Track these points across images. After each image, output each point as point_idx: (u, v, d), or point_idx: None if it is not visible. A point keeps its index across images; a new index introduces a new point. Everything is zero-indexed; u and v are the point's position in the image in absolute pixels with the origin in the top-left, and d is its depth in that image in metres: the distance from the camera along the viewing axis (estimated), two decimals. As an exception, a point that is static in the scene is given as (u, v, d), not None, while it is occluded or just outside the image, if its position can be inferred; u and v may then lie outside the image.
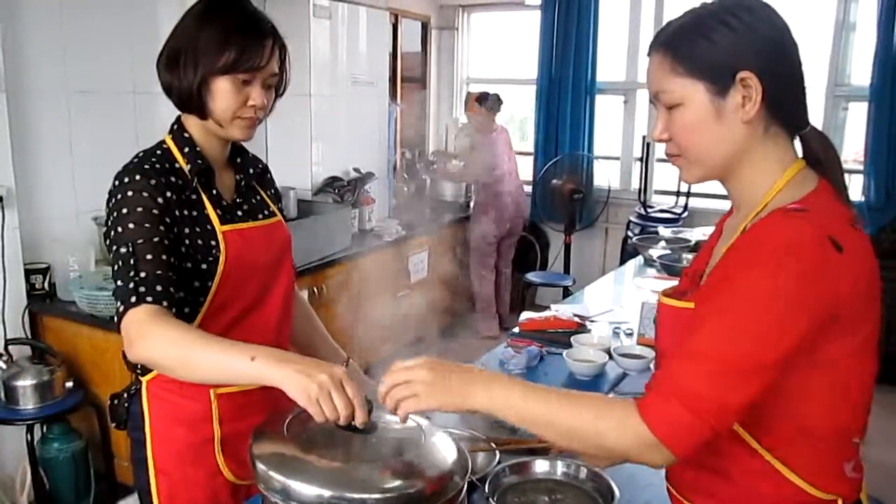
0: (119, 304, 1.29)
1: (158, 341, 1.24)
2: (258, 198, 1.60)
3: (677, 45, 1.03)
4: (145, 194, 1.35)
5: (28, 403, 2.80)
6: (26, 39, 2.99)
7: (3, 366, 2.83)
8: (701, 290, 1.06)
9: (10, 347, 2.90)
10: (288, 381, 1.14)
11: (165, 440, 1.49)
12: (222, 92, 1.39)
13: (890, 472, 3.36)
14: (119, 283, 1.30)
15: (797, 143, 1.09)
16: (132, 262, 1.30)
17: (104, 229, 1.39)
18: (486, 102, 5.08)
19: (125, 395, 1.54)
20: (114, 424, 1.58)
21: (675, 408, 0.93)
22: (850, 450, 1.06)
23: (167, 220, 1.36)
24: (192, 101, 1.40)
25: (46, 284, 3.09)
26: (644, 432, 0.94)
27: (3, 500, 2.60)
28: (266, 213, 1.59)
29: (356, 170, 4.59)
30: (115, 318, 1.30)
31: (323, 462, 1.10)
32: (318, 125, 4.34)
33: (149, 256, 1.30)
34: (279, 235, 1.59)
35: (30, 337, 3.03)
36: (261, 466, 1.10)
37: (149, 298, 1.27)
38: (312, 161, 4.36)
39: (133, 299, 1.27)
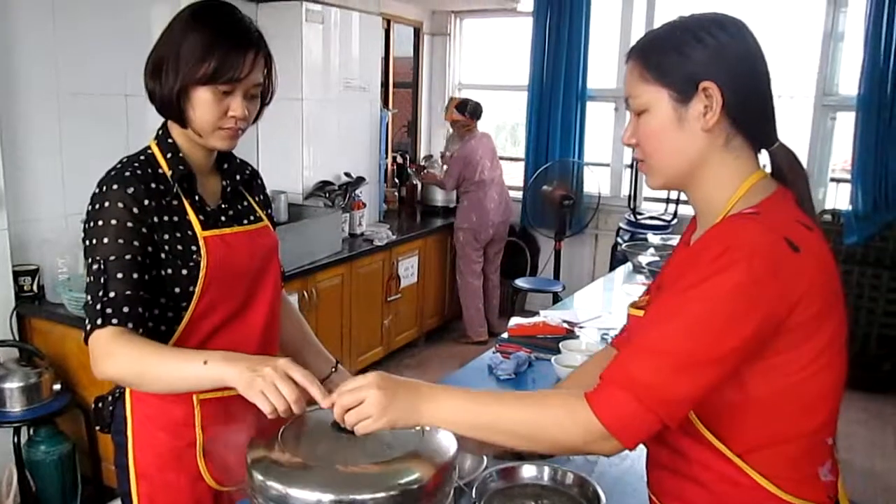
0: (87, 321, 1.33)
1: (119, 360, 1.29)
2: (245, 203, 1.59)
3: (649, 53, 1.08)
4: (121, 205, 1.35)
5: (15, 406, 2.79)
6: (17, 40, 2.99)
7: (-9, 368, 2.82)
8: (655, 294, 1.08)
9: (-3, 349, 2.89)
10: (237, 378, 1.18)
11: (147, 444, 1.48)
12: (202, 102, 1.38)
13: (874, 479, 3.39)
14: (89, 299, 1.34)
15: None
16: (102, 280, 1.33)
17: (82, 235, 1.40)
18: (466, 110, 5.10)
19: (109, 399, 1.54)
20: (98, 427, 1.58)
21: (623, 398, 0.96)
22: (824, 452, 1.07)
23: (143, 230, 1.36)
24: (171, 109, 1.40)
25: (35, 286, 3.08)
26: (593, 423, 0.97)
27: (-12, 503, 2.59)
28: (252, 218, 1.58)
29: (347, 174, 4.60)
30: (83, 335, 1.34)
31: (319, 466, 1.11)
32: (310, 129, 4.35)
33: (119, 275, 1.33)
34: (265, 241, 1.58)
35: (17, 339, 3.02)
36: (258, 476, 1.09)
37: (114, 321, 1.31)
38: (304, 165, 4.36)
39: (99, 321, 1.31)
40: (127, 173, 1.39)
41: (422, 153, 6.14)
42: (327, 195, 4.42)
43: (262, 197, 1.67)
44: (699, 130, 1.05)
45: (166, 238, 1.40)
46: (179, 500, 1.50)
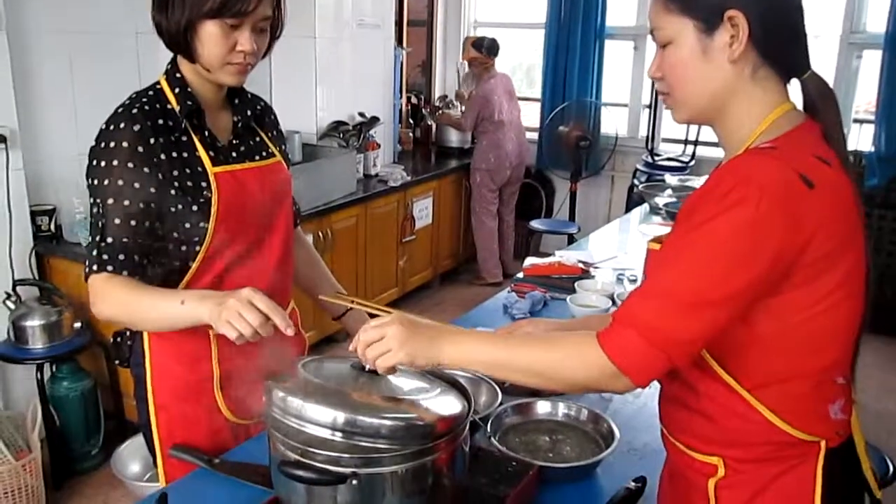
0: (87, 262, 1.39)
1: (111, 303, 1.38)
2: (257, 139, 1.57)
3: None
4: (125, 144, 1.35)
5: (37, 343, 2.84)
6: (26, -23, 2.94)
7: (12, 306, 2.86)
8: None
9: (17, 288, 2.93)
10: (207, 314, 1.27)
11: (165, 377, 1.51)
12: (210, 36, 1.35)
13: (886, 420, 3.41)
14: (90, 240, 1.39)
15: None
16: (101, 224, 1.37)
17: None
18: (483, 47, 4.99)
19: (127, 333, 1.56)
20: (117, 362, 1.61)
21: (633, 338, 0.97)
22: (835, 390, 1.05)
23: (145, 170, 1.36)
24: (179, 43, 1.38)
25: (52, 226, 3.10)
26: (604, 362, 0.98)
27: (15, 437, 2.65)
28: (264, 154, 1.56)
29: (361, 114, 4.55)
30: (83, 275, 1.40)
31: (337, 393, 1.12)
32: (323, 69, 4.29)
33: (117, 220, 1.36)
34: (277, 177, 1.56)
35: (37, 278, 3.05)
36: (277, 393, 1.11)
37: (110, 267, 1.36)
38: (317, 105, 4.31)
39: (95, 266, 1.37)
40: (134, 110, 1.38)
41: (437, 93, 6.05)
42: (341, 135, 4.38)
43: (275, 132, 1.65)
44: (725, 62, 1.02)
45: (175, 174, 1.39)
46: (197, 432, 1.53)
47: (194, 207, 1.41)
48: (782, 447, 1.04)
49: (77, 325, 2.94)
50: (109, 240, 1.36)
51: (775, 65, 1.04)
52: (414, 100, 5.64)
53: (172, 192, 1.39)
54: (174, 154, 1.40)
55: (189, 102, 1.42)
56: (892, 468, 2.02)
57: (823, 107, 1.06)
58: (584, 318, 1.47)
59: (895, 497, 1.82)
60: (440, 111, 5.57)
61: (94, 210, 1.38)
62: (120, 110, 1.40)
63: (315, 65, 4.23)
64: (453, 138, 5.46)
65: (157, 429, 1.51)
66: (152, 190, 1.37)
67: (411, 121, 5.57)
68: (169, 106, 1.42)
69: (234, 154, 1.50)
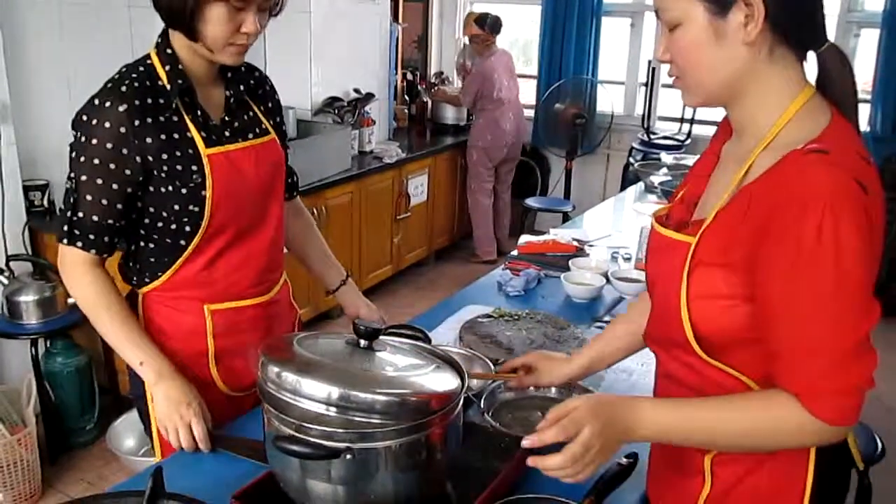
0: (59, 228, 1.42)
1: (80, 294, 1.46)
2: (250, 114, 1.55)
3: None
4: (107, 125, 1.34)
5: (31, 318, 2.84)
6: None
7: (5, 281, 2.86)
8: (712, 232, 0.99)
9: (11, 263, 2.92)
10: (157, 401, 1.43)
11: (162, 350, 1.50)
12: (216, 17, 1.32)
13: (878, 400, 3.44)
14: (62, 209, 1.43)
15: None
16: (73, 199, 1.38)
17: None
18: (486, 24, 4.95)
19: None
20: None
21: (844, 401, 0.93)
22: None
23: (125, 151, 1.35)
24: (182, 21, 1.35)
25: (45, 201, 3.09)
26: (825, 429, 0.94)
27: (10, 412, 2.66)
28: (258, 131, 1.54)
29: (356, 90, 4.52)
30: (57, 236, 1.44)
31: (332, 368, 1.13)
32: (318, 43, 4.25)
33: (88, 197, 1.37)
34: (270, 157, 1.54)
35: (30, 253, 3.04)
36: (272, 368, 1.11)
37: (79, 243, 1.40)
38: (312, 81, 4.28)
39: (65, 240, 1.41)
40: (123, 87, 1.36)
41: (432, 70, 6.01)
42: (336, 111, 4.36)
43: (270, 105, 1.62)
44: (740, 43, 0.96)
45: (164, 158, 1.38)
46: None
47: (183, 191, 1.40)
48: None
49: (71, 300, 2.92)
50: (80, 215, 1.38)
51: (793, 43, 0.98)
52: (410, 76, 5.60)
53: (161, 174, 1.38)
54: (163, 136, 1.38)
55: (180, 81, 1.40)
56: (880, 447, 2.04)
57: (841, 80, 1.00)
58: (634, 308, 1.41)
59: (886, 481, 1.84)
60: (436, 87, 5.53)
61: (69, 183, 1.40)
62: (109, 86, 1.38)
63: (310, 40, 4.19)
64: (449, 115, 5.44)
65: (152, 401, 1.51)
66: (128, 172, 1.37)
67: (407, 97, 5.53)
68: (160, 83, 1.40)
69: (226, 133, 1.48)
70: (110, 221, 1.39)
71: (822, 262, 0.89)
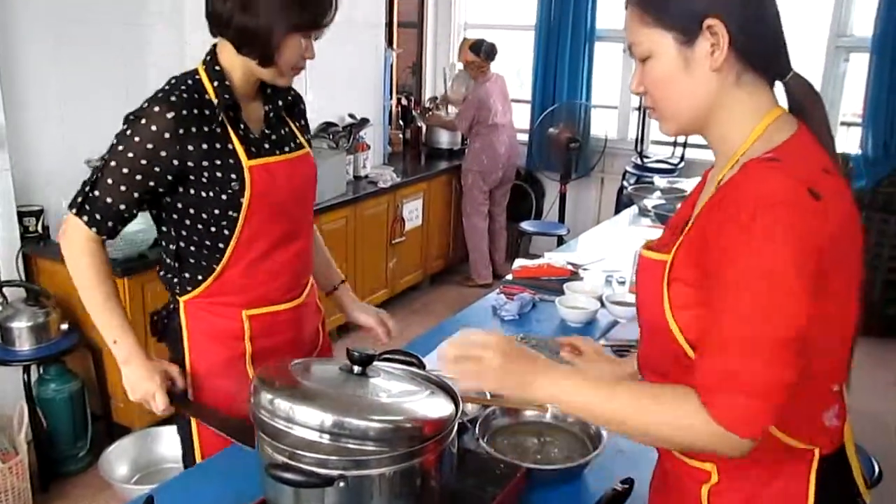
0: (75, 195, 1.49)
1: (71, 264, 1.51)
2: (287, 129, 1.64)
3: None
4: (153, 128, 1.42)
5: (24, 345, 2.83)
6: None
7: (-1, 307, 2.84)
8: (683, 247, 1.02)
9: (4, 290, 2.91)
10: (125, 377, 1.53)
11: (203, 353, 1.60)
12: (292, 47, 1.45)
13: (874, 420, 3.43)
14: (84, 182, 1.49)
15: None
16: (95, 178, 1.46)
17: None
18: (481, 50, 4.99)
19: (164, 313, 1.64)
20: (155, 338, 1.69)
21: (740, 401, 0.91)
22: (830, 398, 1.05)
23: (162, 154, 1.43)
24: (257, 48, 1.43)
25: (40, 227, 3.08)
26: (717, 432, 0.92)
27: (2, 439, 2.64)
28: (293, 145, 1.63)
29: (351, 115, 4.55)
30: (68, 202, 1.50)
31: (325, 395, 1.12)
32: (313, 69, 4.24)
33: (109, 181, 1.45)
34: (305, 170, 1.64)
35: (24, 279, 3.03)
36: (265, 395, 1.10)
37: (85, 218, 1.47)
38: (308, 106, 4.29)
39: (74, 210, 1.48)
40: (173, 97, 1.45)
41: (427, 94, 6.05)
42: (331, 137, 4.37)
43: (303, 122, 1.74)
44: (708, 71, 1.01)
45: (205, 165, 1.46)
46: (224, 402, 1.58)
47: (223, 196, 1.48)
48: (776, 454, 1.02)
49: (64, 326, 2.92)
50: (97, 193, 1.46)
51: (759, 69, 1.03)
52: (404, 101, 5.64)
53: (202, 179, 1.46)
54: (205, 146, 1.46)
55: (227, 96, 1.48)
56: (877, 469, 2.03)
57: (810, 107, 1.04)
58: None
59: (880, 499, 1.83)
60: (430, 112, 5.57)
61: (98, 163, 1.48)
62: (160, 95, 1.47)
63: (305, 66, 4.20)
64: (443, 139, 5.46)
65: (196, 426, 1.61)
66: (157, 169, 1.44)
67: (401, 122, 5.56)
68: (207, 97, 1.48)
69: (266, 145, 1.56)
70: (122, 207, 1.46)
71: (747, 256, 0.90)
